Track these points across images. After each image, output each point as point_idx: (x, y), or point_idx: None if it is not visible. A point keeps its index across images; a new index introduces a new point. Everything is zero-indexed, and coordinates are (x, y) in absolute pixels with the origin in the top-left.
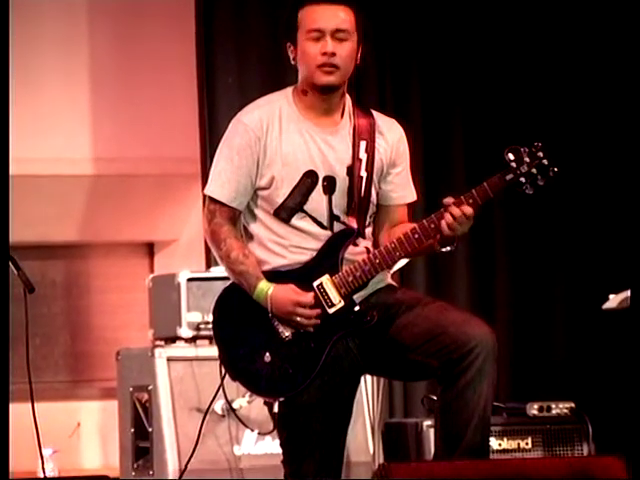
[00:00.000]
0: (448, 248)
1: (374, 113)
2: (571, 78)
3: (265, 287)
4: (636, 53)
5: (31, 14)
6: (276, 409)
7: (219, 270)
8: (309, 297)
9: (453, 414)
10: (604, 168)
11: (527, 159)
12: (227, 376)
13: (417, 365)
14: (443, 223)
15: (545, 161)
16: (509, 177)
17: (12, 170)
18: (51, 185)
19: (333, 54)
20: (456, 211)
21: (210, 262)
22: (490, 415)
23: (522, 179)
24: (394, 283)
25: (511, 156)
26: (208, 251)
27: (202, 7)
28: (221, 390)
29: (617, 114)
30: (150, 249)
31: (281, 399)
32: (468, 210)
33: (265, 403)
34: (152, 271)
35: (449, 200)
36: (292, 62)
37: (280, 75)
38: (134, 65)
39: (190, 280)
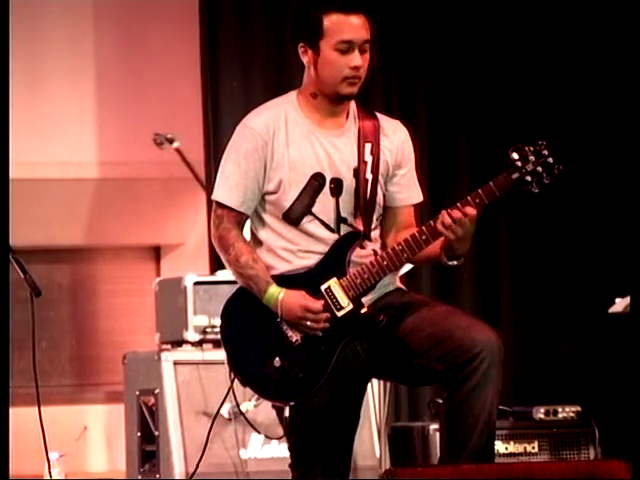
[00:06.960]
0: (455, 262)
1: (378, 115)
2: (575, 83)
3: (276, 292)
4: (637, 54)
5: (37, 18)
6: (287, 413)
7: (225, 274)
8: (319, 304)
9: (458, 419)
10: (609, 171)
11: (532, 157)
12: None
13: (423, 370)
14: (439, 225)
15: (550, 159)
16: (515, 176)
17: (18, 174)
18: (57, 189)
19: (360, 67)
20: (456, 213)
21: (215, 266)
22: (495, 420)
23: (528, 178)
24: (403, 287)
25: (516, 155)
26: (213, 255)
27: (206, 12)
28: (230, 394)
29: (620, 120)
30: (156, 253)
31: (292, 403)
32: (471, 211)
33: (274, 407)
34: (158, 275)
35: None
36: (305, 63)
37: (284, 80)
38: (139, 69)
39: (196, 284)
